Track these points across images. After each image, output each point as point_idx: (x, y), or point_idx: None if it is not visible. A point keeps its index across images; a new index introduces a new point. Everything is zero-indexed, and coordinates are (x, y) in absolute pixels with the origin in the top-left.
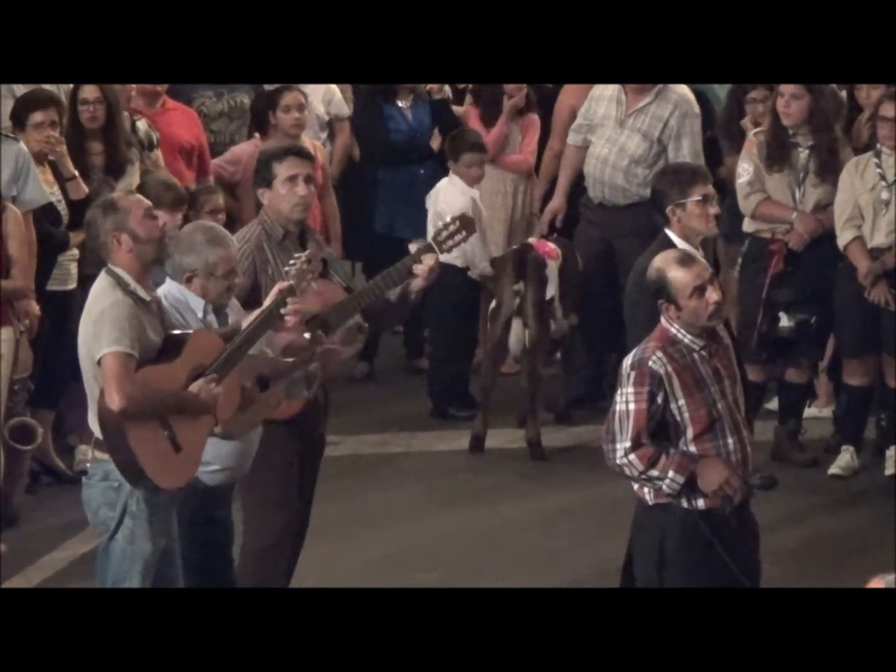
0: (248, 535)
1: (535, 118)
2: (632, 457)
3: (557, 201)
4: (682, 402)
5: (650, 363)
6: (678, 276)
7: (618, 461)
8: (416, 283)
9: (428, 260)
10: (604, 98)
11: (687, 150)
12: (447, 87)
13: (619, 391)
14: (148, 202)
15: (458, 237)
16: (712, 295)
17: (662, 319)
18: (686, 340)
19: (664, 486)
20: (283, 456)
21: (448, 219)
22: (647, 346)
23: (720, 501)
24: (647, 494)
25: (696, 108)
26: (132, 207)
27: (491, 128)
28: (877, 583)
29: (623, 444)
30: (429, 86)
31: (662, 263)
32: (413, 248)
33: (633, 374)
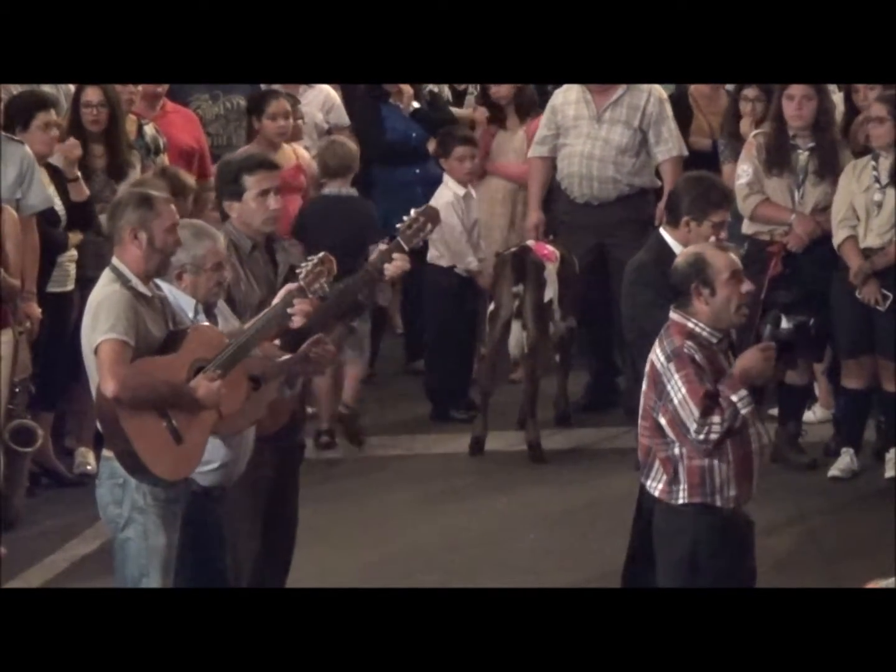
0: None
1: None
2: (708, 420)
3: (535, 215)
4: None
5: (685, 350)
6: (718, 257)
7: (702, 437)
8: (389, 279)
9: (398, 261)
10: (569, 103)
11: (667, 135)
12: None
13: (665, 391)
14: (178, 217)
15: (424, 231)
16: (746, 284)
17: (676, 316)
18: (704, 334)
19: (743, 412)
20: (255, 468)
21: (412, 213)
22: (672, 338)
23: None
24: (681, 492)
25: (665, 94)
26: (163, 213)
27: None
28: (873, 587)
29: (695, 420)
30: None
31: (699, 248)
32: (382, 247)
33: (672, 365)
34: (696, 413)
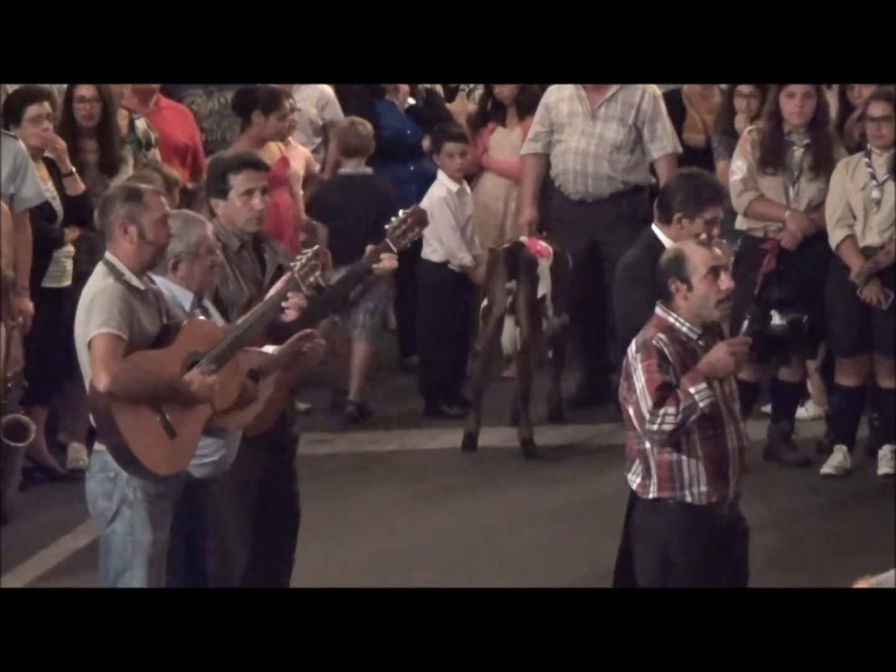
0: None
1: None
2: (661, 410)
3: (529, 212)
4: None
5: (653, 342)
6: (696, 253)
7: (654, 428)
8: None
9: (387, 261)
10: (563, 100)
11: (662, 132)
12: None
13: (632, 379)
14: (168, 209)
15: (412, 232)
16: (725, 280)
17: (659, 310)
18: (684, 329)
19: (700, 405)
20: (243, 467)
21: (401, 214)
22: (647, 331)
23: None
24: (653, 486)
25: (659, 91)
26: (152, 205)
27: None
28: (862, 585)
29: (649, 410)
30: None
31: (681, 244)
32: (371, 247)
33: (640, 355)
34: (650, 403)
